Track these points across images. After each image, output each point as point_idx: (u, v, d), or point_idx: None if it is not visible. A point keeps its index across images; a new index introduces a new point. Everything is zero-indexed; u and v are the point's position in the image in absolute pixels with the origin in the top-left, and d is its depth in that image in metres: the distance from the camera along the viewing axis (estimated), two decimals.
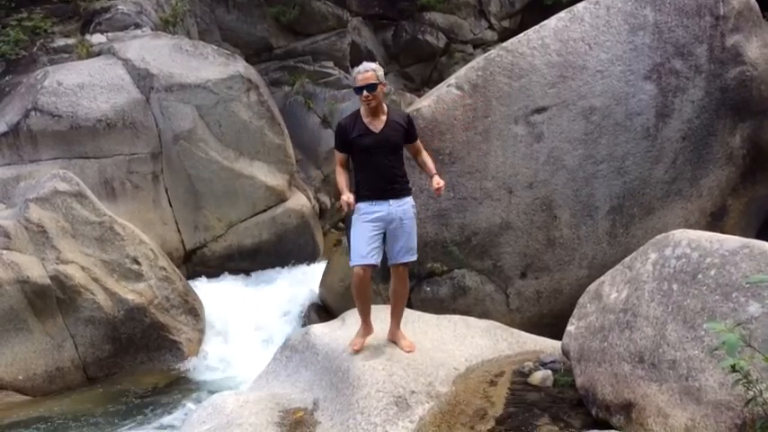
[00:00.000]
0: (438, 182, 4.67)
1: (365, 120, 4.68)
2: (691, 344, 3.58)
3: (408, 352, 4.68)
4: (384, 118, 4.68)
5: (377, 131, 4.65)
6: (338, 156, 4.82)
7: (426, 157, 4.95)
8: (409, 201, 4.73)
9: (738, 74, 7.10)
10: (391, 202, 4.63)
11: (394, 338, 4.81)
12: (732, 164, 7.23)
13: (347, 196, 4.59)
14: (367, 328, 4.82)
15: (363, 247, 4.59)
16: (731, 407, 3.31)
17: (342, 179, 4.74)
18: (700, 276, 3.69)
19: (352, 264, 4.66)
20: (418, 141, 4.93)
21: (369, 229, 4.60)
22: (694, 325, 3.60)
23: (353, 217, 4.72)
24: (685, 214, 7.16)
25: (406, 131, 4.75)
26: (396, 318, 4.85)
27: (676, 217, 7.11)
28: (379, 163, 4.63)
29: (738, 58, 7.11)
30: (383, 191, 4.63)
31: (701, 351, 3.51)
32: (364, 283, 4.68)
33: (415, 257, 4.77)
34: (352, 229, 4.77)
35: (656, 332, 3.74)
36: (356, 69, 4.71)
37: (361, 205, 4.65)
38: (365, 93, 4.59)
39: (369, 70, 4.63)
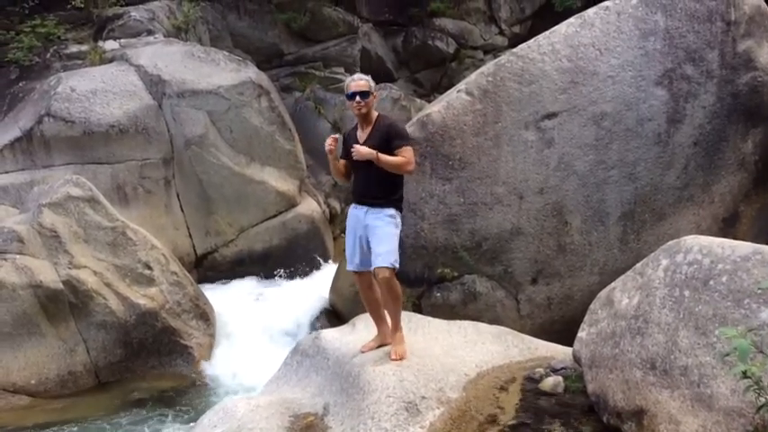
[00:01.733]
0: (359, 149, 4.60)
1: (358, 129, 4.85)
2: (702, 350, 3.56)
3: (392, 360, 4.57)
4: (369, 128, 4.77)
5: (360, 141, 4.75)
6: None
7: (398, 157, 4.64)
8: (386, 211, 4.67)
9: (750, 79, 7.08)
10: (366, 209, 4.72)
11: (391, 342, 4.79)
12: (744, 170, 7.20)
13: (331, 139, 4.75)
14: (380, 335, 4.85)
15: (347, 251, 4.88)
16: (743, 413, 3.30)
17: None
18: (711, 283, 3.67)
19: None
20: (403, 149, 4.64)
21: (349, 233, 4.85)
22: (706, 331, 3.58)
23: None
24: (697, 220, 7.13)
25: (386, 140, 4.66)
26: (391, 322, 4.78)
27: (688, 223, 7.09)
28: (361, 172, 4.74)
29: (750, 63, 7.09)
30: (362, 197, 4.77)
31: (713, 357, 3.49)
32: (362, 287, 4.86)
33: (384, 264, 4.58)
34: None
35: (668, 338, 3.73)
36: (349, 78, 4.85)
37: (351, 206, 4.89)
38: (357, 99, 4.69)
39: (362, 79, 4.76)
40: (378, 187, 4.69)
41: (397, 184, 4.76)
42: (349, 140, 4.85)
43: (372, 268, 4.65)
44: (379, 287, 4.74)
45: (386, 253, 4.60)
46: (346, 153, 4.82)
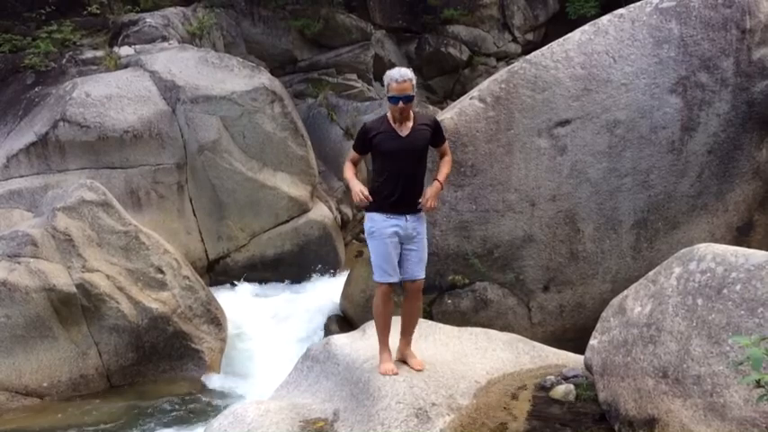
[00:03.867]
0: (428, 198, 4.53)
1: (393, 123, 4.56)
2: (715, 359, 3.53)
3: (418, 370, 4.54)
4: (410, 123, 4.57)
5: (403, 135, 4.53)
6: (352, 154, 4.80)
7: (445, 164, 4.75)
8: (425, 216, 4.68)
9: (765, 87, 7.03)
10: (408, 217, 4.54)
11: (403, 357, 4.67)
12: (759, 178, 7.14)
13: (361, 189, 4.51)
14: (387, 350, 4.62)
15: (385, 264, 4.51)
16: (756, 423, 3.27)
17: (350, 172, 4.70)
18: (725, 291, 3.65)
19: (376, 279, 4.59)
20: (445, 145, 4.82)
21: (388, 245, 4.50)
22: (719, 340, 3.56)
23: (369, 226, 4.61)
24: (711, 229, 7.09)
25: (432, 134, 4.64)
26: (406, 336, 4.72)
27: (702, 231, 7.04)
28: (403, 169, 4.50)
29: (765, 71, 7.03)
30: (400, 203, 4.51)
31: (726, 367, 3.47)
32: (389, 300, 4.62)
33: (424, 274, 4.64)
34: (370, 242, 4.63)
35: (681, 347, 3.70)
36: (392, 76, 4.50)
37: (377, 217, 4.54)
38: (401, 104, 4.47)
39: (406, 80, 4.45)
40: (417, 187, 4.58)
41: (424, 186, 4.68)
42: (377, 135, 4.56)
43: (414, 278, 4.58)
44: (411, 298, 4.65)
45: (425, 262, 4.63)
46: (363, 144, 4.65)
